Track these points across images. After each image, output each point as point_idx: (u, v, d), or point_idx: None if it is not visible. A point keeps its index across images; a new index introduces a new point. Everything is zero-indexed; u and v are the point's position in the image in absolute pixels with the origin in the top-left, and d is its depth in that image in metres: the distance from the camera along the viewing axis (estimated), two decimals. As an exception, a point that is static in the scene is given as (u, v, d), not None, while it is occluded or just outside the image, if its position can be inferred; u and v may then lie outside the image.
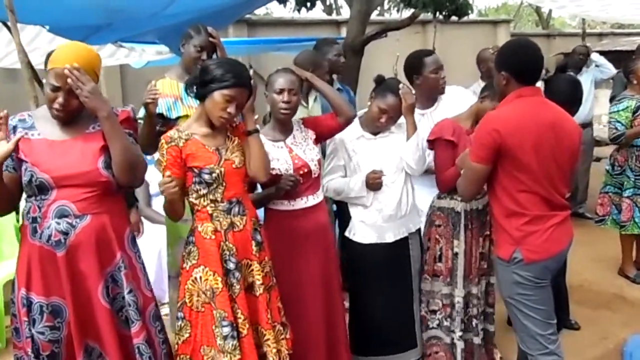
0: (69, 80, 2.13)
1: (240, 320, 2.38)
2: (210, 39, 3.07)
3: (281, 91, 2.70)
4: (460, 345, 3.09)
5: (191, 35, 3.08)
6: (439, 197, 3.15)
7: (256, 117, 2.64)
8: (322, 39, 4.59)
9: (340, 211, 3.78)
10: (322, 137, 2.93)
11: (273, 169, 2.68)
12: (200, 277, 2.38)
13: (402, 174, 3.07)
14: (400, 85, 2.99)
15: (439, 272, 3.12)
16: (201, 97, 2.43)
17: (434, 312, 3.15)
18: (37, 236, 2.22)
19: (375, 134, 3.04)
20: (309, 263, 2.79)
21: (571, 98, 3.08)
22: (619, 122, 4.45)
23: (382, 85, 3.00)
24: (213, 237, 2.40)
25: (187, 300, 2.40)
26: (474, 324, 3.13)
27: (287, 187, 2.67)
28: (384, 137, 3.05)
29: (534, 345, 2.59)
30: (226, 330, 2.34)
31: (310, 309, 2.79)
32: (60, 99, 2.19)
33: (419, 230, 3.18)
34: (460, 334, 3.08)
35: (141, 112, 3.03)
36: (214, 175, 2.39)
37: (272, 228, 2.76)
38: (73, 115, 2.26)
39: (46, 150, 2.22)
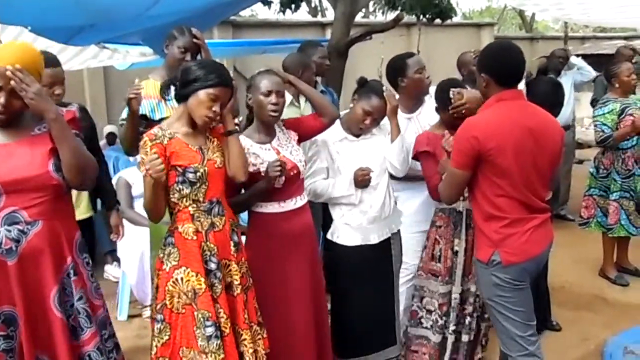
0: (12, 82, 2.04)
1: (222, 320, 2.38)
2: (194, 40, 3.07)
3: (269, 93, 2.67)
4: (451, 338, 3.11)
5: (175, 36, 3.08)
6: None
7: (240, 118, 2.64)
8: (306, 41, 4.60)
9: (324, 212, 3.79)
10: (304, 138, 2.93)
11: (266, 171, 2.66)
12: (182, 279, 2.36)
13: (385, 175, 3.08)
14: (384, 88, 3.00)
15: (437, 272, 3.14)
16: (183, 97, 2.43)
17: (430, 312, 3.17)
18: None
19: (357, 136, 3.05)
20: (300, 265, 2.79)
21: (552, 100, 3.11)
22: (605, 124, 4.49)
23: (366, 87, 3.01)
24: (195, 237, 2.39)
25: (168, 302, 2.38)
26: (467, 321, 3.15)
27: (276, 173, 2.62)
28: (367, 139, 3.06)
29: (514, 347, 2.61)
30: (209, 330, 2.33)
31: (301, 311, 2.78)
32: (1, 100, 2.08)
33: (399, 230, 3.19)
34: (453, 328, 3.11)
35: (124, 114, 3.01)
36: (198, 174, 2.39)
37: (259, 232, 2.76)
38: (14, 116, 2.16)
39: None
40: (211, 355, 2.32)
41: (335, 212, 3.08)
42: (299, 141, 2.89)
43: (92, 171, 2.30)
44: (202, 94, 2.37)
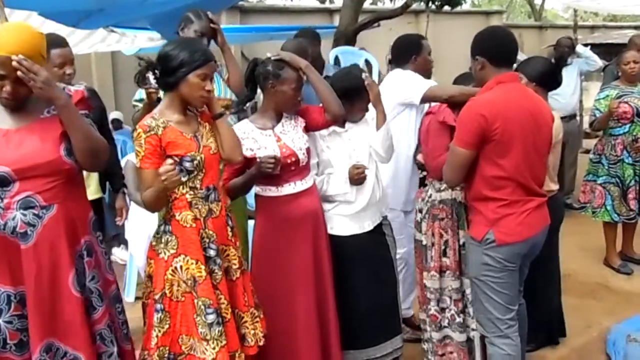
0: (19, 73, 2.00)
1: (223, 306, 2.37)
2: (211, 24, 3.06)
3: (299, 87, 2.71)
4: (478, 336, 3.00)
5: (191, 19, 3.06)
6: (437, 190, 3.09)
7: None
8: (301, 30, 4.46)
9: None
10: (308, 129, 2.86)
11: (259, 162, 2.62)
12: (181, 267, 2.33)
13: (373, 160, 3.03)
14: (364, 76, 2.94)
15: (445, 267, 3.07)
16: (171, 85, 2.35)
17: (443, 310, 3.10)
18: None
19: (343, 125, 2.98)
20: (299, 250, 2.75)
21: (547, 77, 3.13)
22: (597, 109, 4.57)
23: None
24: (194, 225, 2.35)
25: (167, 291, 2.34)
26: None
27: (268, 170, 2.59)
28: (352, 128, 2.99)
29: (491, 328, 2.65)
30: (211, 317, 2.31)
31: (300, 297, 2.75)
32: (7, 87, 2.05)
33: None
34: (474, 326, 3.00)
35: (137, 95, 3.02)
36: (195, 162, 2.34)
37: (261, 214, 2.77)
38: (22, 101, 2.13)
39: (1, 141, 2.11)
40: (213, 342, 2.31)
41: (327, 204, 2.98)
42: (305, 130, 2.84)
43: (104, 153, 2.29)
44: (193, 77, 2.31)
